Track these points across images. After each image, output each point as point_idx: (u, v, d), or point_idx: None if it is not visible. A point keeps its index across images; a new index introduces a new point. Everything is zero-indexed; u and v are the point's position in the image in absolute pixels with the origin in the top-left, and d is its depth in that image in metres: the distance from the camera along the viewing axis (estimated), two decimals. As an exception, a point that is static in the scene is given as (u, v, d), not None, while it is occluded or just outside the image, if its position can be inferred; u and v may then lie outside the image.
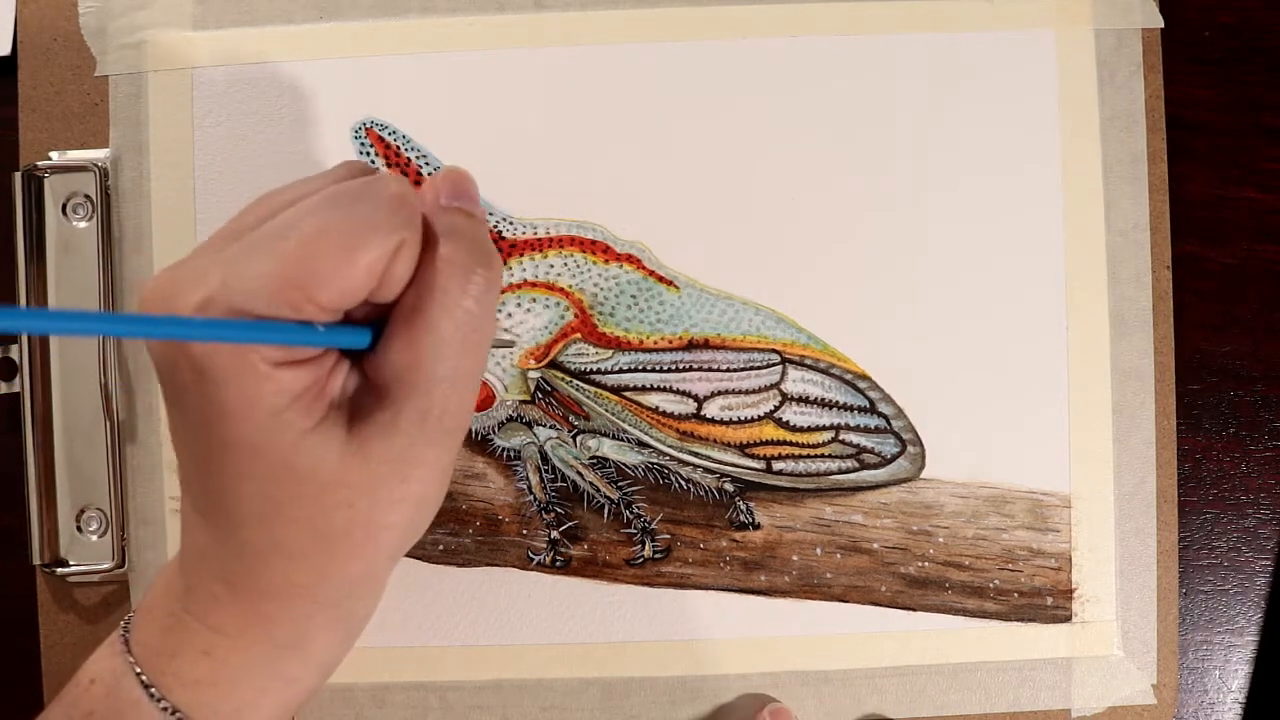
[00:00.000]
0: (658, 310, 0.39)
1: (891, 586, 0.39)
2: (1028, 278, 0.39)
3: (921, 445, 0.39)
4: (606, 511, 0.39)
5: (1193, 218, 0.40)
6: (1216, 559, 0.40)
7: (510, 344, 0.38)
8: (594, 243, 0.39)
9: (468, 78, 0.39)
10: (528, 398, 0.39)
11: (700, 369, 0.39)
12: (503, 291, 0.39)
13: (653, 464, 0.39)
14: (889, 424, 0.39)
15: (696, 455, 0.39)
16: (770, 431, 0.39)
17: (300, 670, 0.30)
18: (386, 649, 0.39)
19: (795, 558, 0.39)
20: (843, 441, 0.39)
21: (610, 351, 0.39)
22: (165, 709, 0.29)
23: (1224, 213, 0.40)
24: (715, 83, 0.39)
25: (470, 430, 0.39)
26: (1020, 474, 0.39)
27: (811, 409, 0.39)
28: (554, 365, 0.39)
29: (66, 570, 0.38)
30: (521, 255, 0.39)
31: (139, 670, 0.29)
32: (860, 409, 0.39)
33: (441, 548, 0.39)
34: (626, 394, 0.39)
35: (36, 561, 0.38)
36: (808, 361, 0.39)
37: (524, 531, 0.39)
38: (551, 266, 0.39)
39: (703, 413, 0.39)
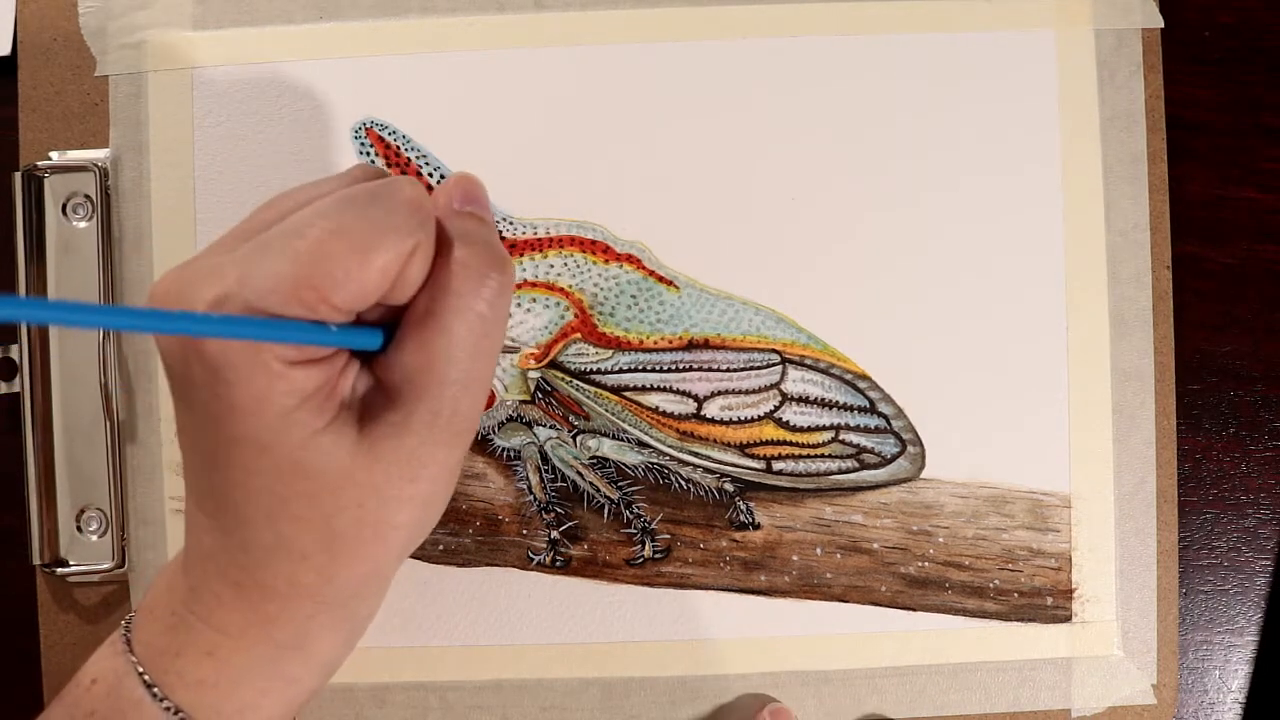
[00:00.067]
0: (658, 310, 0.39)
1: (891, 586, 0.39)
2: (1028, 278, 0.39)
3: (921, 445, 0.39)
4: (606, 511, 0.39)
5: (1193, 218, 0.40)
6: (1216, 559, 0.40)
7: (515, 350, 0.38)
8: (594, 243, 0.39)
9: (468, 78, 0.39)
10: (528, 398, 0.39)
11: (700, 369, 0.39)
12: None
13: (653, 464, 0.39)
14: (889, 424, 0.39)
15: (696, 455, 0.39)
16: (770, 431, 0.39)
17: (302, 671, 0.30)
18: (386, 649, 0.39)
19: (795, 558, 0.39)
20: (843, 441, 0.39)
21: (610, 351, 0.39)
22: (168, 709, 0.29)
23: (1224, 213, 0.40)
24: (715, 83, 0.39)
25: (470, 430, 0.39)
26: (1020, 474, 0.39)
27: (811, 409, 0.39)
28: (554, 365, 0.39)
29: (66, 570, 0.38)
30: (521, 255, 0.39)
31: (141, 670, 0.29)
32: (860, 409, 0.39)
33: (441, 548, 0.39)
34: (626, 394, 0.39)
35: (36, 561, 0.38)
36: (808, 361, 0.39)
37: (524, 531, 0.39)
38: (551, 266, 0.39)
39: (703, 413, 0.39)
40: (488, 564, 0.39)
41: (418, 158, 0.39)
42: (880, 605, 0.39)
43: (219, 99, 0.39)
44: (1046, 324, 0.39)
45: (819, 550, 0.39)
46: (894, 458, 0.39)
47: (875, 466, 0.39)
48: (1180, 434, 0.40)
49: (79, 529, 0.39)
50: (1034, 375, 0.39)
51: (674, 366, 0.39)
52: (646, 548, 0.39)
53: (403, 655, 0.39)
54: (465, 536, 0.39)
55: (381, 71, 0.39)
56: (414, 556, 0.39)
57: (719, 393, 0.39)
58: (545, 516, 0.39)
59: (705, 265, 0.39)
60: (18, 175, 0.39)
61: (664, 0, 0.39)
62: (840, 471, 0.39)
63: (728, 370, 0.39)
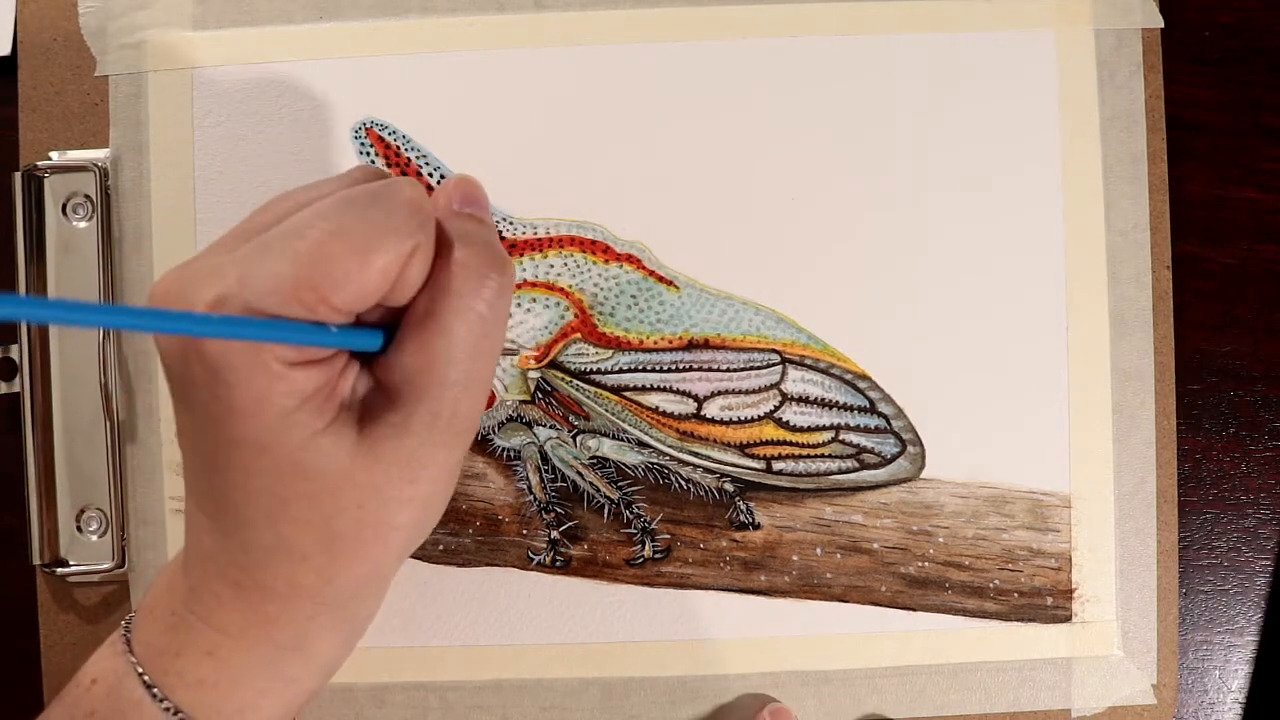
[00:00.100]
0: (658, 310, 0.39)
1: (891, 586, 0.39)
2: (1028, 278, 0.39)
3: (921, 445, 0.39)
4: (606, 511, 0.39)
5: (1193, 218, 0.40)
6: (1216, 559, 0.40)
7: (514, 351, 0.38)
8: (594, 243, 0.39)
9: (468, 78, 0.39)
10: (528, 398, 0.39)
11: (700, 369, 0.39)
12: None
13: (653, 464, 0.39)
14: (889, 424, 0.39)
15: (696, 455, 0.39)
16: (770, 431, 0.39)
17: (301, 671, 0.30)
18: (386, 649, 0.39)
19: (795, 558, 0.39)
20: (843, 441, 0.39)
21: (610, 351, 0.39)
22: (168, 709, 0.29)
23: (1224, 213, 0.40)
24: (715, 83, 0.39)
25: (470, 430, 0.39)
26: (1020, 474, 0.39)
27: (811, 409, 0.39)
28: (554, 365, 0.39)
29: (66, 570, 0.38)
30: (521, 255, 0.39)
31: (141, 670, 0.29)
32: (860, 409, 0.39)
33: (441, 548, 0.39)
34: (626, 394, 0.39)
35: (36, 561, 0.38)
36: (808, 361, 0.39)
37: (524, 531, 0.39)
38: (551, 266, 0.39)
39: (703, 413, 0.39)
40: (488, 564, 0.39)
41: (418, 158, 0.39)
42: (880, 605, 0.39)
43: (219, 99, 0.39)
44: (1046, 324, 0.39)
45: (819, 550, 0.39)
46: (894, 458, 0.39)
47: (875, 466, 0.39)
48: (1180, 434, 0.40)
49: (79, 529, 0.39)
50: (1034, 375, 0.39)
51: (674, 366, 0.39)
52: (646, 548, 0.39)
53: (403, 655, 0.39)
54: (465, 536, 0.39)
55: (381, 71, 0.39)
56: (414, 556, 0.39)
57: (719, 393, 0.39)
58: (545, 516, 0.39)
59: (705, 265, 0.39)
60: (18, 175, 0.39)
61: (664, 0, 0.39)
62: (840, 471, 0.39)
63: (728, 370, 0.39)
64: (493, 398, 0.39)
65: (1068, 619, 0.39)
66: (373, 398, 0.29)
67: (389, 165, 0.39)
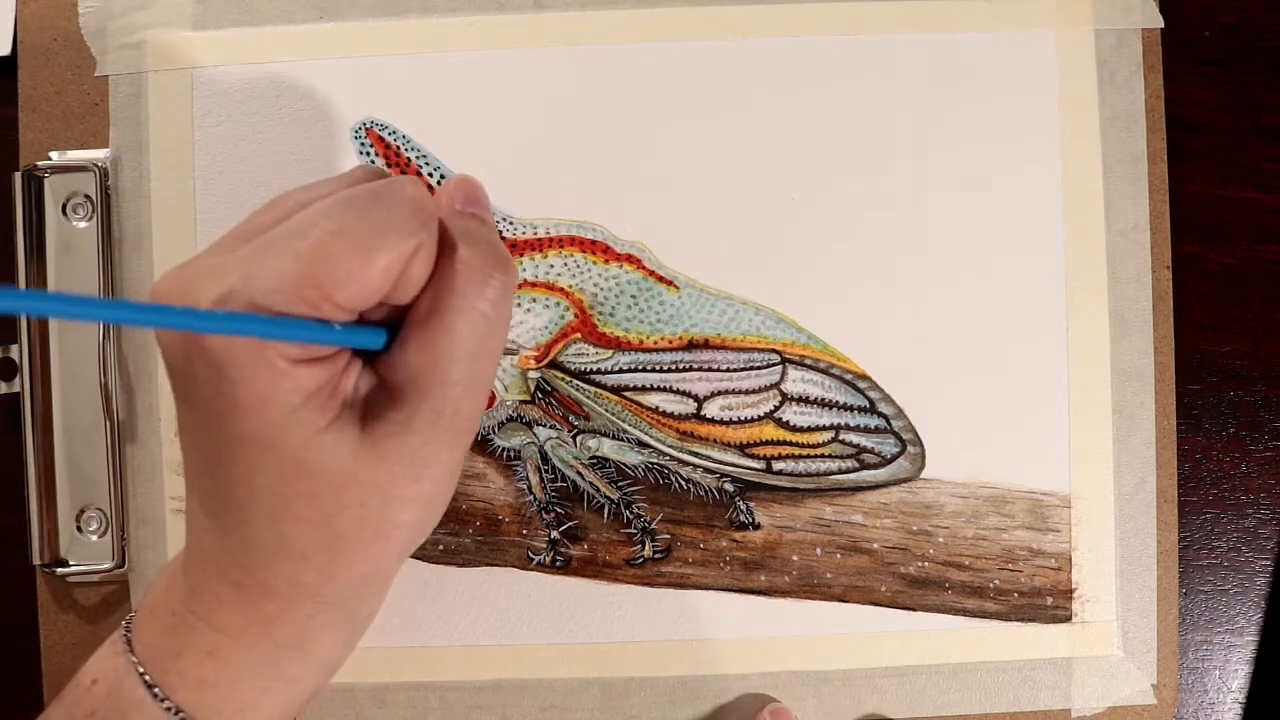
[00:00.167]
0: (658, 310, 0.39)
1: (891, 586, 0.39)
2: (1028, 278, 0.39)
3: (921, 445, 0.39)
4: (606, 511, 0.39)
5: (1193, 218, 0.40)
6: (1216, 559, 0.40)
7: (514, 351, 0.38)
8: (594, 243, 0.39)
9: (468, 78, 0.39)
10: (528, 398, 0.39)
11: (700, 369, 0.39)
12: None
13: (653, 464, 0.39)
14: (889, 424, 0.39)
15: (696, 455, 0.39)
16: (770, 431, 0.39)
17: (302, 671, 0.30)
18: (386, 649, 0.39)
19: (795, 558, 0.39)
20: (843, 441, 0.39)
21: (610, 351, 0.39)
22: (169, 709, 0.29)
23: (1224, 213, 0.40)
24: (715, 83, 0.39)
25: (470, 430, 0.39)
26: (1020, 474, 0.39)
27: (811, 409, 0.39)
28: (554, 365, 0.39)
29: (66, 570, 0.38)
30: (521, 255, 0.39)
31: (142, 670, 0.29)
32: (860, 409, 0.39)
33: (441, 548, 0.39)
34: (626, 394, 0.39)
35: (36, 561, 0.38)
36: (808, 361, 0.39)
37: (524, 531, 0.39)
38: (551, 266, 0.39)
39: (703, 413, 0.39)
40: (488, 564, 0.39)
41: (418, 158, 0.39)
42: (880, 605, 0.39)
43: (219, 99, 0.39)
44: (1046, 324, 0.39)
45: (819, 550, 0.39)
46: (894, 458, 0.39)
47: (875, 466, 0.39)
48: (1180, 434, 0.40)
49: (79, 529, 0.39)
50: (1034, 375, 0.39)
51: (674, 366, 0.39)
52: (646, 548, 0.39)
53: (403, 655, 0.39)
54: (465, 536, 0.39)
55: (381, 71, 0.39)
56: (414, 556, 0.39)
57: (719, 393, 0.39)
58: (545, 516, 0.39)
59: (705, 265, 0.39)
60: (18, 175, 0.39)
61: (664, 0, 0.39)
62: (840, 471, 0.39)
63: (728, 370, 0.39)
64: (493, 398, 0.39)
65: (1068, 619, 0.39)
66: (375, 396, 0.29)
67: (389, 165, 0.39)
